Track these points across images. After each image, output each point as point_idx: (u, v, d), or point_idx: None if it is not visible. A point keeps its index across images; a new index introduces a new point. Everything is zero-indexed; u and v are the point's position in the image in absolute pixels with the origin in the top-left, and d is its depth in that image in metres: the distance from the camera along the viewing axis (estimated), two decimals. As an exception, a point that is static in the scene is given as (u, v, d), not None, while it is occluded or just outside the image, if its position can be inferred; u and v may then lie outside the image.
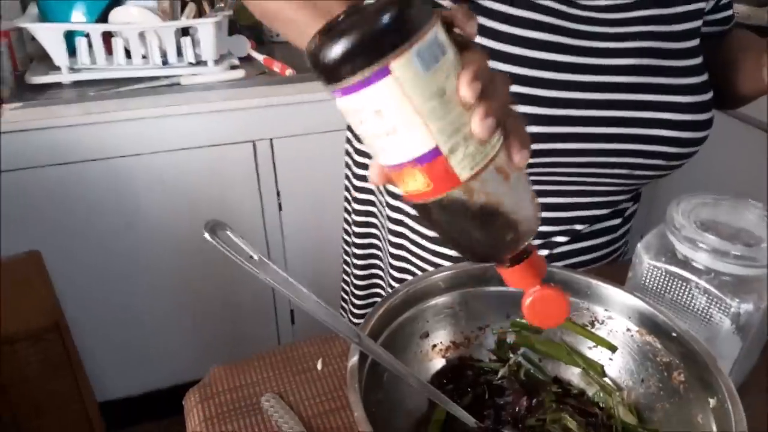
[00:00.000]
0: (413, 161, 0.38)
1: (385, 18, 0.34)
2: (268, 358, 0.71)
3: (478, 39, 0.69)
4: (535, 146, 0.57)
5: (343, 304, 1.13)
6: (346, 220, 1.04)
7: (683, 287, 0.60)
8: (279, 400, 0.66)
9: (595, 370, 0.61)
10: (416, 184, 0.39)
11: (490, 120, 0.37)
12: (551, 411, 0.56)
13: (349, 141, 0.98)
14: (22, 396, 1.33)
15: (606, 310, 0.60)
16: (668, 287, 0.61)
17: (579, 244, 0.84)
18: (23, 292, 1.24)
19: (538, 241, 0.82)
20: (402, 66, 0.35)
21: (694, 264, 0.58)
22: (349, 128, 0.95)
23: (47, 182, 1.46)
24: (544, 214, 0.79)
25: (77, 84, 1.54)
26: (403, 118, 0.37)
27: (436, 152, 0.38)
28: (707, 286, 0.57)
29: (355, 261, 1.03)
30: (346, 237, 1.05)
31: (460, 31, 0.40)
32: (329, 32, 0.35)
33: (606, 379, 0.61)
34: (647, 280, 0.63)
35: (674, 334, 0.55)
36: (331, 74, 0.36)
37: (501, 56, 0.70)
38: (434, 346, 0.63)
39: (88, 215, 1.52)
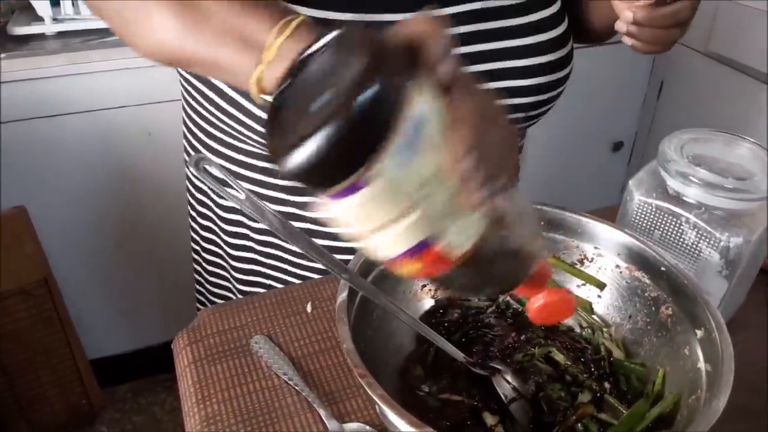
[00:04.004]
0: (407, 252, 0.35)
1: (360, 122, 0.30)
2: (257, 302, 0.71)
3: None
4: None
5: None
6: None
7: (673, 223, 0.59)
8: (268, 342, 0.65)
9: (583, 307, 0.61)
10: (417, 272, 0.37)
11: (484, 189, 0.33)
12: (539, 346, 0.57)
13: (189, 130, 0.80)
14: (13, 352, 1.33)
15: (595, 247, 0.60)
16: (658, 223, 0.61)
17: None
18: (10, 247, 1.23)
19: None
20: (386, 166, 0.31)
21: (685, 199, 0.58)
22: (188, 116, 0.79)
23: (31, 135, 1.43)
24: None
25: (61, 35, 1.50)
26: (394, 212, 0.33)
27: (426, 243, 0.35)
28: (697, 220, 0.57)
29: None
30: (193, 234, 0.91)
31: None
32: (296, 138, 0.31)
33: (594, 317, 0.61)
34: (637, 217, 0.62)
35: (663, 269, 0.55)
36: (309, 187, 0.32)
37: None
38: (423, 286, 0.63)
39: (74, 169, 1.50)
